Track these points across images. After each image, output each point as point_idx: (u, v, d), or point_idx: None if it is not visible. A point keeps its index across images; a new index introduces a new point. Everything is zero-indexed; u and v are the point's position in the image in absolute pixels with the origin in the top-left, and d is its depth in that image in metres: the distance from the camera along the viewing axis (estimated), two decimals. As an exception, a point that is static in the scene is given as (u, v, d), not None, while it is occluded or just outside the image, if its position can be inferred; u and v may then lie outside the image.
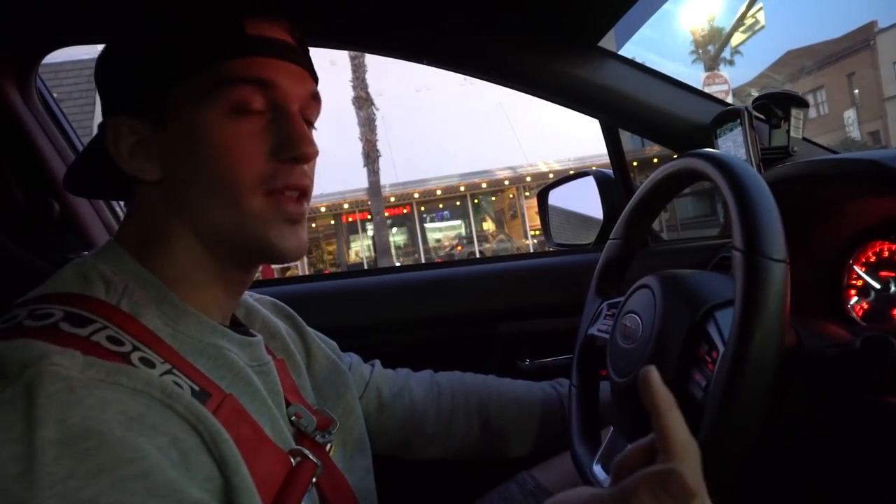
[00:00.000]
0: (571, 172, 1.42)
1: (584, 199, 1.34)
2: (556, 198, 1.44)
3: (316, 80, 0.65)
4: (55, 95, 1.16)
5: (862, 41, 23.11)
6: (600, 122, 1.21)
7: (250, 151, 0.57)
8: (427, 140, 15.32)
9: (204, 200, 0.57)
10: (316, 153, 0.61)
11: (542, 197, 1.45)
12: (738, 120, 1.06)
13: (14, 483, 0.40)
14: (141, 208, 0.61)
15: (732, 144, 1.07)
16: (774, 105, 1.09)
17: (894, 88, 22.31)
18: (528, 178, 16.12)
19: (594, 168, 1.35)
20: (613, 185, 1.27)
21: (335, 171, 13.91)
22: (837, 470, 0.67)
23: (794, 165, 0.85)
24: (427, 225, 17.76)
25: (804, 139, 1.10)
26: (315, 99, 0.63)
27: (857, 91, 22.90)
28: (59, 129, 1.12)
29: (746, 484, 0.62)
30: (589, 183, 1.31)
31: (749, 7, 15.85)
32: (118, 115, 0.59)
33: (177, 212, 0.59)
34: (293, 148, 0.58)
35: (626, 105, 1.12)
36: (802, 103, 1.09)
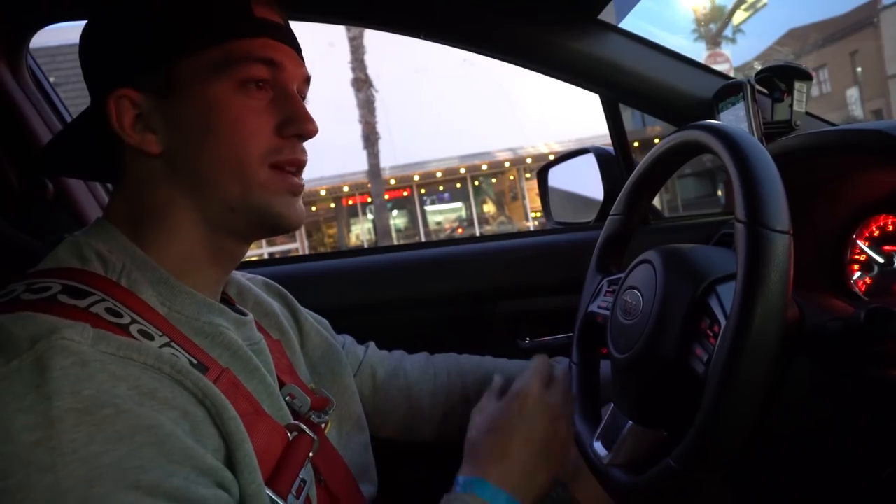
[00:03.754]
0: (572, 149, 1.40)
1: (584, 177, 1.32)
2: (556, 175, 1.43)
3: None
4: (53, 79, 1.15)
5: (865, 18, 22.86)
6: (600, 97, 1.19)
7: (259, 126, 0.60)
8: (427, 122, 15.24)
9: (212, 172, 0.59)
10: (317, 130, 0.63)
11: (542, 175, 1.44)
12: (741, 94, 1.05)
13: (33, 450, 0.41)
14: (137, 184, 0.61)
15: (735, 118, 1.06)
16: (777, 78, 1.08)
17: (898, 66, 22.11)
18: (529, 160, 16.05)
19: (594, 145, 1.33)
20: (614, 161, 1.25)
21: (335, 154, 13.86)
22: (840, 444, 0.66)
23: (797, 138, 0.84)
24: (427, 207, 17.73)
25: (807, 113, 1.08)
26: (307, 82, 0.67)
27: (860, 69, 22.72)
28: (53, 109, 1.10)
29: (749, 458, 0.61)
30: (589, 160, 1.30)
31: (752, -16, 15.67)
32: (121, 87, 0.59)
33: (180, 184, 0.59)
34: (298, 125, 0.61)
35: (626, 79, 1.10)
36: (806, 76, 1.07)
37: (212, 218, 0.60)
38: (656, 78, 1.10)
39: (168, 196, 0.60)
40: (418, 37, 1.03)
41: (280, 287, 0.83)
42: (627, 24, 1.14)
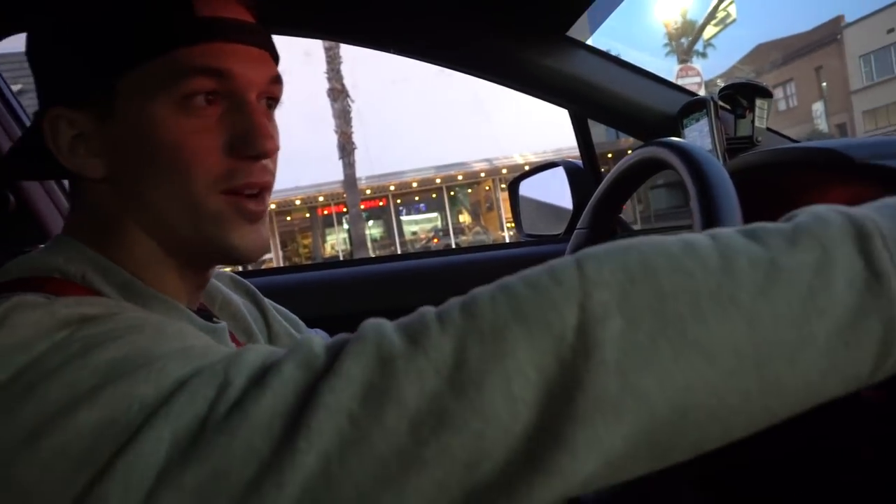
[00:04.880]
0: (543, 163, 1.42)
1: (554, 190, 1.34)
2: (527, 189, 1.45)
3: (277, 59, 0.60)
4: (20, 87, 1.13)
5: (829, 35, 23.56)
6: (569, 112, 1.21)
7: (204, 148, 0.52)
8: (403, 132, 15.28)
9: (157, 201, 0.53)
10: (276, 148, 0.56)
11: (513, 188, 1.45)
12: (704, 110, 1.07)
13: (18, 378, 0.35)
14: (89, 204, 0.56)
15: (699, 134, 1.08)
16: (740, 95, 1.10)
17: (860, 82, 22.82)
18: (505, 171, 16.16)
19: (565, 159, 1.35)
20: (583, 175, 1.27)
21: (310, 164, 13.83)
22: (820, 465, 0.67)
23: (758, 154, 0.86)
24: (403, 217, 17.73)
25: (768, 129, 1.11)
26: (276, 81, 0.58)
27: (824, 84, 23.36)
28: (15, 119, 1.09)
29: (728, 478, 0.62)
30: (559, 173, 1.31)
31: (721, 0, 16.05)
32: (56, 106, 0.53)
33: (129, 211, 0.55)
34: (251, 145, 0.53)
35: (594, 95, 1.12)
36: (767, 94, 1.10)
37: (166, 246, 0.56)
38: (624, 94, 1.12)
39: (119, 220, 0.55)
40: (388, 51, 1.04)
41: (248, 284, 0.78)
42: (600, 42, 1.16)
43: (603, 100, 1.12)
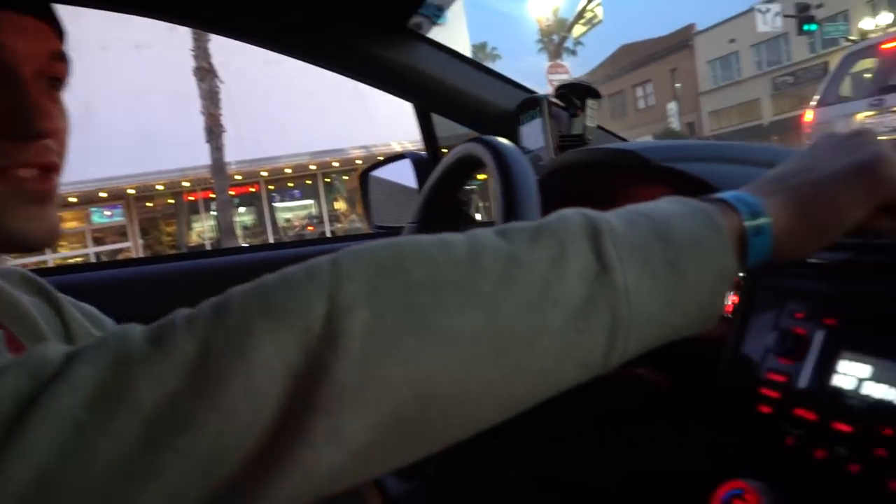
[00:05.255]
0: (391, 154, 1.42)
1: (404, 181, 1.34)
2: (378, 179, 1.44)
3: (61, 34, 0.55)
4: None
5: (683, 40, 25.63)
6: (413, 105, 1.21)
7: None
8: (277, 116, 14.71)
9: None
10: (57, 128, 0.51)
11: (364, 179, 1.44)
12: (538, 108, 1.12)
13: None
14: None
15: (534, 131, 1.13)
16: (573, 95, 1.16)
17: (708, 84, 25.07)
18: (381, 158, 16.07)
19: (412, 150, 1.35)
20: (428, 166, 1.28)
21: (174, 147, 12.98)
22: (604, 440, 0.72)
23: (578, 153, 0.90)
24: (276, 204, 17.15)
25: (599, 128, 1.17)
26: (59, 59, 0.54)
27: (678, 85, 25.40)
28: None
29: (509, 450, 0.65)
30: (407, 165, 1.32)
31: (589, 1, 16.88)
32: None
33: None
34: (23, 124, 0.49)
35: (436, 88, 1.13)
36: (596, 94, 1.16)
37: None
38: (465, 89, 1.14)
39: None
40: (217, 33, 0.98)
41: (40, 281, 0.70)
42: (474, 35, 1.17)
43: (445, 94, 1.14)
